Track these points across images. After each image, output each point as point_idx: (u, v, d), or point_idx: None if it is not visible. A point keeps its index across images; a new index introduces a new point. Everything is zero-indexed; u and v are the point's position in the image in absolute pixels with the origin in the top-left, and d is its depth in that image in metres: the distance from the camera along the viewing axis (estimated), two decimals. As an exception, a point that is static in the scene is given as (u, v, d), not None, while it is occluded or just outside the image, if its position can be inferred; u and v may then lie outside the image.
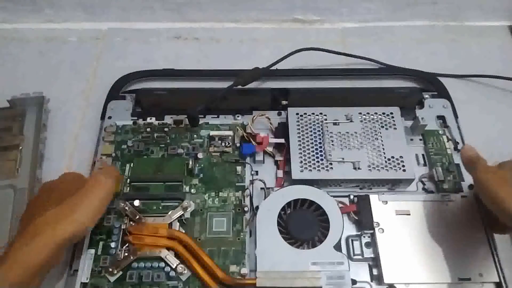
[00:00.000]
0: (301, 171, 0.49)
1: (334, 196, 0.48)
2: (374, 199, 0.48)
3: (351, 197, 0.50)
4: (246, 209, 0.49)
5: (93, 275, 0.45)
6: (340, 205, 0.48)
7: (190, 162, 0.51)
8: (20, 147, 0.54)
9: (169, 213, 0.48)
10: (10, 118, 0.57)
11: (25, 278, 0.37)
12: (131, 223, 0.48)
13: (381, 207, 0.48)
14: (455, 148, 0.54)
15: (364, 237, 0.47)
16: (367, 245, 0.47)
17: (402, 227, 0.47)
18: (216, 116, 0.57)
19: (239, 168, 0.52)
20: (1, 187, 0.51)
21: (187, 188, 0.51)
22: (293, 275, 0.43)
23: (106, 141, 0.54)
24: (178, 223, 0.48)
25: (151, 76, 0.63)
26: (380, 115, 0.53)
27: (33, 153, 0.54)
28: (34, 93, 0.59)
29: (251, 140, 0.53)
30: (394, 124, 0.52)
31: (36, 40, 0.69)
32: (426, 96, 0.59)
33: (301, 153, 0.50)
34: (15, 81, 0.64)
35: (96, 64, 0.67)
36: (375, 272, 0.45)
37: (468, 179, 0.52)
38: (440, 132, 0.55)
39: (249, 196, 0.49)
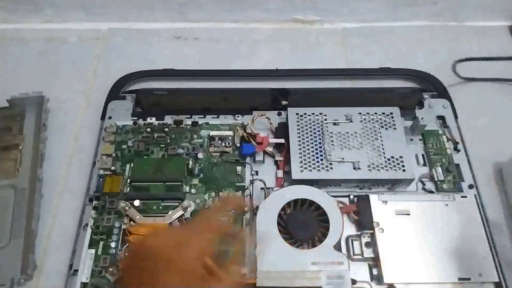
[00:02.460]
0: (301, 171, 0.49)
1: (334, 196, 0.48)
2: (374, 199, 0.48)
3: (351, 197, 0.50)
4: (246, 209, 0.49)
5: (93, 275, 0.45)
6: (340, 205, 0.48)
7: (190, 162, 0.51)
8: (20, 147, 0.54)
9: (169, 213, 0.48)
10: (10, 118, 0.57)
11: None
12: (131, 223, 0.48)
13: (381, 207, 0.48)
14: (455, 148, 0.54)
15: (364, 237, 0.47)
16: (367, 245, 0.47)
17: (402, 227, 0.47)
18: (216, 116, 0.57)
19: (239, 168, 0.52)
20: (2, 187, 0.51)
21: (187, 188, 0.51)
22: (293, 275, 0.43)
23: (106, 141, 0.54)
24: (178, 223, 0.48)
25: (151, 76, 0.63)
26: (380, 115, 0.53)
27: (33, 152, 0.54)
28: (33, 92, 0.59)
29: (251, 140, 0.53)
30: (394, 124, 0.52)
31: (36, 40, 0.69)
32: (426, 96, 0.59)
33: (301, 153, 0.50)
34: (15, 81, 0.64)
35: (96, 64, 0.67)
36: (375, 272, 0.45)
37: (468, 179, 0.52)
38: (440, 132, 0.55)
39: (249, 196, 0.50)
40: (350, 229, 0.48)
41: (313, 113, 0.53)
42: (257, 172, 0.53)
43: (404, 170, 0.49)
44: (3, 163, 0.53)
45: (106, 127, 0.56)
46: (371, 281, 0.45)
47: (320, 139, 0.52)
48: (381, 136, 0.52)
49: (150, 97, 0.58)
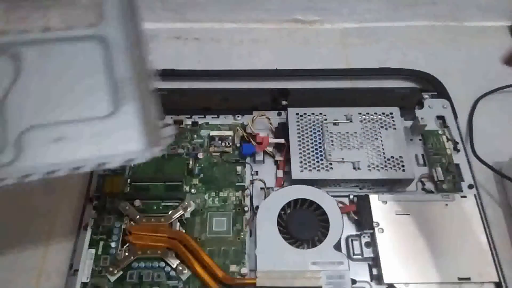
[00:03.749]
0: (301, 171, 0.49)
1: (334, 196, 0.48)
2: (374, 199, 0.48)
3: (351, 197, 0.50)
4: (246, 209, 0.49)
5: (93, 275, 0.45)
6: (340, 205, 0.48)
7: (190, 162, 0.51)
8: None
9: (169, 213, 0.48)
10: None
11: None
12: (131, 223, 0.48)
13: (381, 207, 0.48)
14: (455, 148, 0.54)
15: (364, 237, 0.47)
16: (367, 245, 0.47)
17: (402, 227, 0.47)
18: (216, 116, 0.57)
19: (239, 168, 0.52)
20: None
21: (187, 188, 0.51)
22: (293, 275, 0.43)
23: (106, 141, 0.54)
24: (178, 223, 0.48)
25: (151, 76, 0.63)
26: (380, 115, 0.53)
27: None
28: None
29: (251, 140, 0.53)
30: (394, 124, 0.52)
31: (36, 40, 0.69)
32: (426, 96, 0.59)
33: (301, 153, 0.50)
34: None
35: (96, 64, 0.67)
36: (375, 272, 0.46)
37: (467, 179, 0.52)
38: (440, 132, 0.55)
39: (249, 196, 0.50)
40: (350, 229, 0.48)
41: (313, 113, 0.54)
42: (257, 172, 0.53)
43: (404, 170, 0.49)
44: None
45: (106, 127, 0.56)
46: (371, 281, 0.45)
47: (320, 139, 0.52)
48: (381, 136, 0.52)
49: (150, 97, 0.58)
